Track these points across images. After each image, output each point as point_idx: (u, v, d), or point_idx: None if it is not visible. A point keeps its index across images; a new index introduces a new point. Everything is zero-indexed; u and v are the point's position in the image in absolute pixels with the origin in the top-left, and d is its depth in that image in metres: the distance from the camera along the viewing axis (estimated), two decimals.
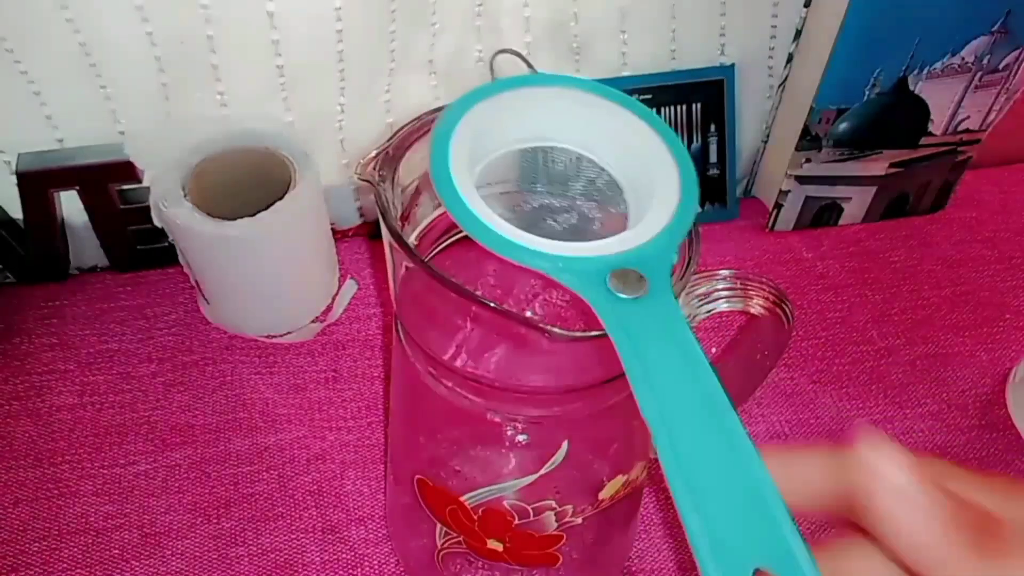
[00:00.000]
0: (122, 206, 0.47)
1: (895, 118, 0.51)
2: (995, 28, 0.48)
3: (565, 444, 0.28)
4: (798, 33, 0.51)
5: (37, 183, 0.45)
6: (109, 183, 0.46)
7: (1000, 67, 0.50)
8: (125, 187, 0.46)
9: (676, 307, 0.22)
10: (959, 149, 0.55)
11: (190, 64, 0.43)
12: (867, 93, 0.50)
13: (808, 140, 0.51)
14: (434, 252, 0.30)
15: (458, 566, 0.34)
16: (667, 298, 0.22)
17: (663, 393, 0.20)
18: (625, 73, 0.51)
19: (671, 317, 0.21)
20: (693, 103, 0.53)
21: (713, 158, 0.55)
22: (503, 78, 0.27)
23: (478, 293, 0.23)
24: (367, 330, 0.49)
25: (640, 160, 0.26)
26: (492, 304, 0.23)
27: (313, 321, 0.49)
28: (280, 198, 0.43)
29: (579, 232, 0.29)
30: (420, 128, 0.27)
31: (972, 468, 0.43)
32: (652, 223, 0.24)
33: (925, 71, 0.49)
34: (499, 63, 0.49)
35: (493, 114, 0.26)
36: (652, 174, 0.25)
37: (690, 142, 0.54)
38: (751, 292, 0.29)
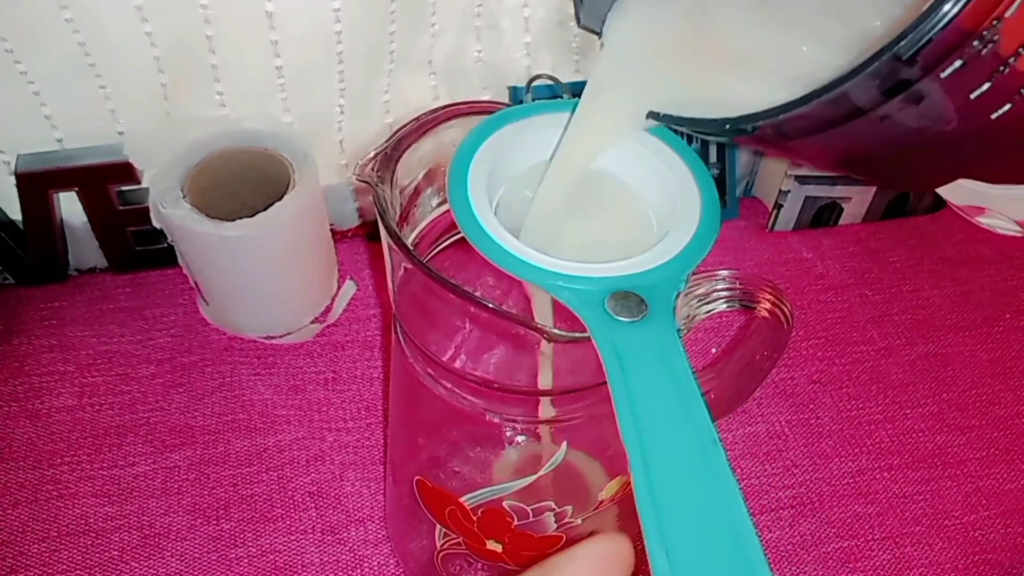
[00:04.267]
0: (121, 207, 0.47)
1: None
2: None
3: (564, 445, 0.28)
4: None
5: (36, 184, 0.45)
6: (108, 184, 0.46)
7: None
8: (124, 188, 0.46)
9: (675, 335, 0.21)
10: None
11: (189, 64, 0.43)
12: None
13: None
14: (433, 253, 0.30)
15: (457, 567, 0.34)
16: (666, 325, 0.21)
17: (646, 420, 0.19)
18: None
19: (668, 344, 0.21)
20: None
21: (713, 157, 0.55)
22: (537, 102, 0.27)
23: (477, 294, 0.23)
24: (366, 331, 0.49)
25: (665, 187, 0.26)
26: (491, 305, 0.23)
27: (312, 322, 0.49)
28: (279, 199, 0.42)
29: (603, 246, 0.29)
30: (419, 128, 0.27)
31: (972, 469, 0.43)
32: (665, 249, 0.23)
33: None
34: (502, 62, 0.49)
35: (522, 132, 0.26)
36: (675, 201, 0.25)
37: (690, 141, 0.54)
38: (751, 292, 0.29)
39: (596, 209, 0.27)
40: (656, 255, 0.23)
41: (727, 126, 0.23)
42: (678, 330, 0.22)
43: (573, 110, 0.27)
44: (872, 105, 0.20)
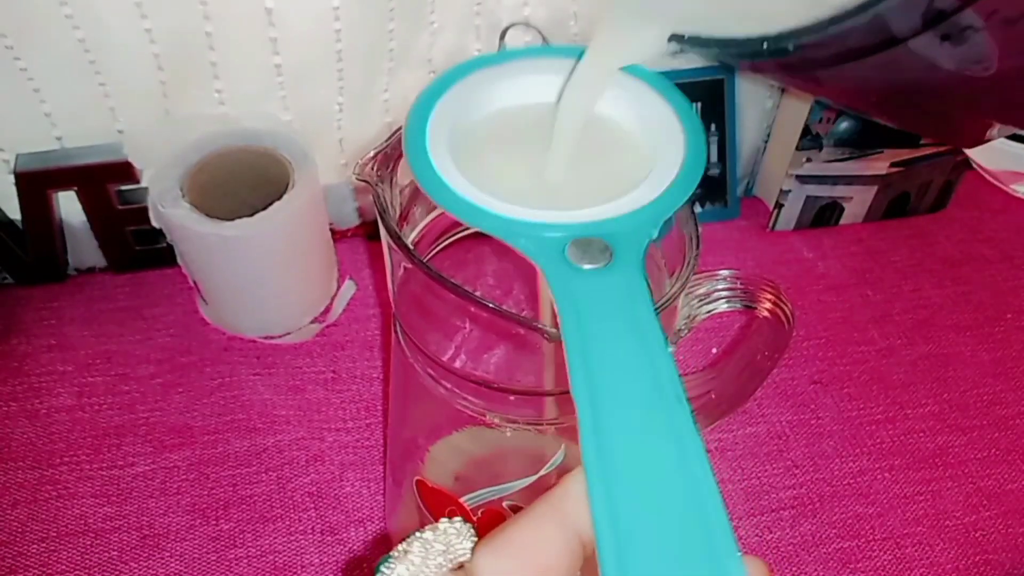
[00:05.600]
0: (120, 206, 0.47)
1: None
2: None
3: (564, 446, 0.28)
4: None
5: (35, 183, 0.45)
6: (107, 183, 0.46)
7: None
8: (123, 187, 0.46)
9: (642, 283, 0.20)
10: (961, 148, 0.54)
11: (189, 61, 0.43)
12: None
13: (809, 139, 0.51)
14: (433, 252, 0.30)
15: None
16: (632, 272, 0.20)
17: (601, 373, 0.18)
18: None
19: (633, 292, 0.19)
20: (694, 102, 0.53)
21: (714, 157, 0.55)
22: (506, 50, 0.26)
23: (477, 294, 0.23)
24: (366, 331, 0.49)
25: (652, 132, 0.25)
26: (490, 304, 0.22)
27: (312, 322, 0.49)
28: (278, 198, 0.42)
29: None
30: None
31: (973, 469, 0.43)
32: (636, 196, 0.22)
33: None
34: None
35: (496, 78, 0.25)
36: (658, 147, 0.24)
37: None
38: (751, 292, 0.29)
39: (604, 152, 0.26)
40: (626, 201, 0.22)
41: (765, 45, 0.21)
42: (646, 279, 0.20)
43: (549, 55, 0.26)
44: (931, 22, 0.18)
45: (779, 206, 0.55)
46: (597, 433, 0.17)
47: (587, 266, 0.20)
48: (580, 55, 0.25)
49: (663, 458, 0.16)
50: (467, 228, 0.27)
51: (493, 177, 0.23)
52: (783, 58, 0.21)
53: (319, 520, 0.40)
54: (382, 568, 0.18)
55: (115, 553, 0.39)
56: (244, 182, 0.45)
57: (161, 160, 0.44)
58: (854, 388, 0.47)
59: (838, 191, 0.55)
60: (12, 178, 0.44)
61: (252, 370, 0.46)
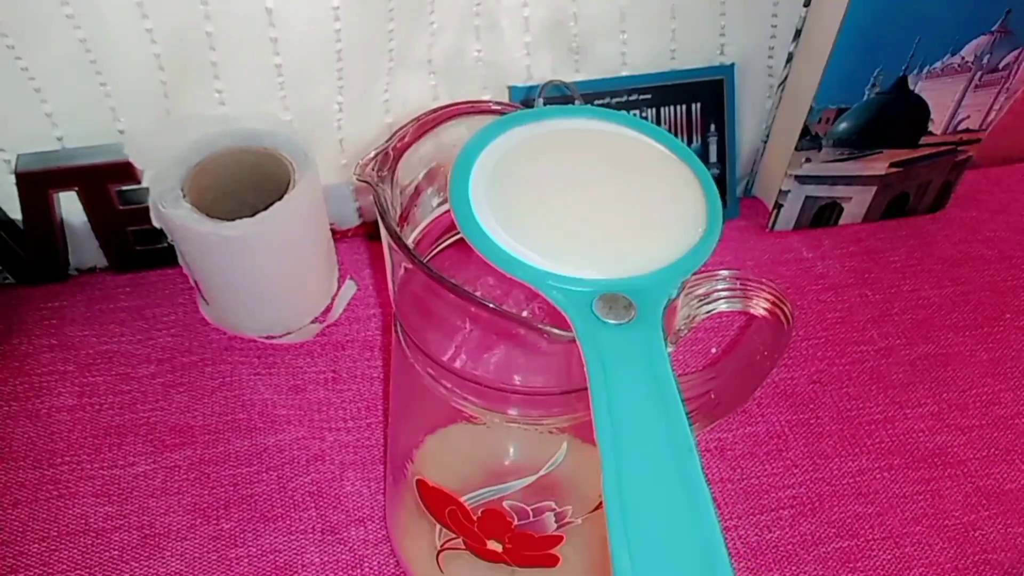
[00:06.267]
0: (121, 207, 0.47)
1: (895, 118, 0.51)
2: (995, 27, 0.48)
3: (564, 445, 0.28)
4: (798, 32, 0.51)
5: (36, 183, 0.45)
6: (108, 183, 0.46)
7: (1000, 66, 0.50)
8: (124, 188, 0.46)
9: (660, 340, 0.21)
10: (959, 149, 0.55)
11: (189, 61, 0.43)
12: (867, 92, 0.50)
13: (808, 140, 0.51)
14: (433, 253, 0.30)
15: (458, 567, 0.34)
16: (653, 329, 0.21)
17: (622, 422, 0.19)
18: (624, 73, 0.51)
19: (652, 349, 0.21)
20: (693, 103, 0.53)
21: (713, 158, 0.55)
22: (549, 107, 0.27)
23: (477, 294, 0.23)
24: (366, 331, 0.49)
25: (671, 196, 0.26)
26: (491, 305, 0.23)
27: (312, 322, 0.49)
28: (279, 198, 0.42)
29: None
30: (419, 128, 0.27)
31: (972, 469, 0.43)
32: (658, 255, 0.23)
33: (925, 70, 0.49)
34: (502, 62, 0.49)
35: (530, 134, 0.26)
36: (678, 208, 0.25)
37: (690, 142, 0.54)
38: (751, 292, 0.29)
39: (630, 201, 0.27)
40: (649, 260, 0.23)
41: None
42: (664, 336, 0.21)
43: (585, 116, 0.27)
44: None
45: (778, 206, 0.55)
46: (619, 475, 0.18)
47: (612, 320, 0.21)
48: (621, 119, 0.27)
49: (676, 501, 0.18)
50: None
51: (527, 223, 0.24)
52: None
53: (319, 520, 0.40)
54: None
55: (116, 552, 0.39)
56: (245, 182, 0.45)
57: (162, 160, 0.44)
58: (854, 388, 0.47)
59: (837, 191, 0.55)
60: (13, 178, 0.44)
61: (253, 370, 0.47)
